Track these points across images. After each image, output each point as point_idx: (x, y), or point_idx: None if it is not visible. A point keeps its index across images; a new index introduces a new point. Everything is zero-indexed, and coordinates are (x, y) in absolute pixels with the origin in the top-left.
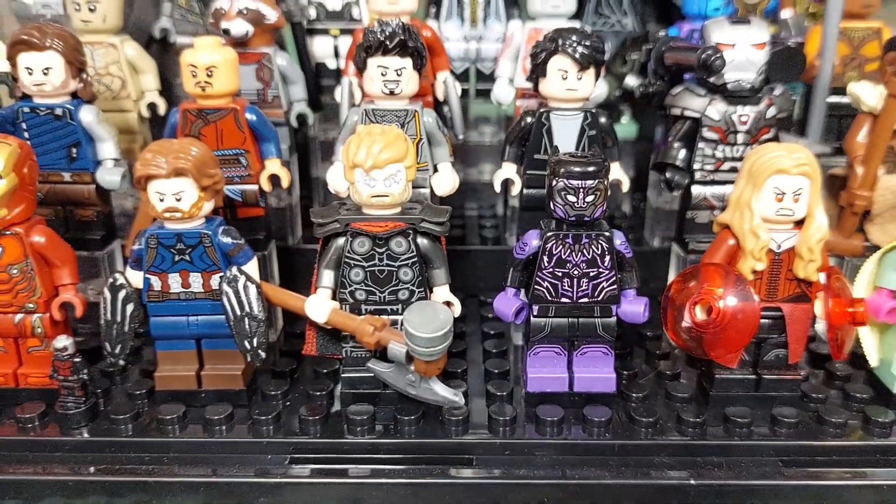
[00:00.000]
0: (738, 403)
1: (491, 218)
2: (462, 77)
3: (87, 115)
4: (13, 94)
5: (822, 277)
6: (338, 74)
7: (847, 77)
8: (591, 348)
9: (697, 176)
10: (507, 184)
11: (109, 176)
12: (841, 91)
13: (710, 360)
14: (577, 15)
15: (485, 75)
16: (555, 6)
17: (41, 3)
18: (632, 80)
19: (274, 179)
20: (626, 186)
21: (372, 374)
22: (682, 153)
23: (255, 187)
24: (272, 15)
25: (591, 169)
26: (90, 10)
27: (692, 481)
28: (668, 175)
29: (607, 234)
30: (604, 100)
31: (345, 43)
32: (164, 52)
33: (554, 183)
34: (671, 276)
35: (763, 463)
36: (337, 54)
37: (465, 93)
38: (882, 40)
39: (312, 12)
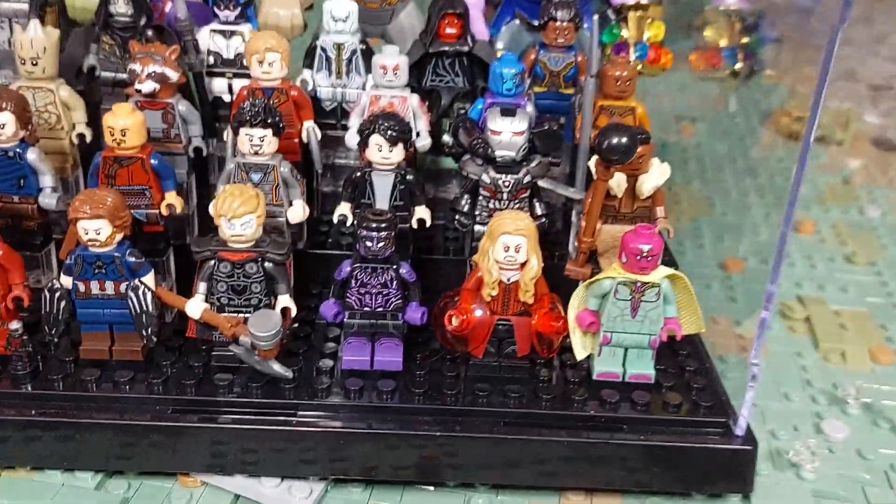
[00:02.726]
0: (483, 382)
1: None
2: (332, 114)
3: (31, 155)
4: None
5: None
6: (231, 107)
7: None
8: (387, 340)
9: (478, 219)
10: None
11: (47, 199)
12: None
13: (467, 352)
14: (421, 72)
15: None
16: (389, 80)
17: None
18: (447, 138)
19: (170, 207)
20: (428, 223)
21: (233, 353)
22: (467, 203)
23: (156, 212)
24: (174, 76)
25: (383, 224)
26: (33, 64)
27: (437, 432)
28: (458, 218)
29: (395, 266)
30: (429, 148)
31: (237, 83)
32: (91, 81)
33: (358, 232)
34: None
35: (492, 423)
36: (231, 91)
37: (334, 126)
38: (636, 116)
39: (211, 59)
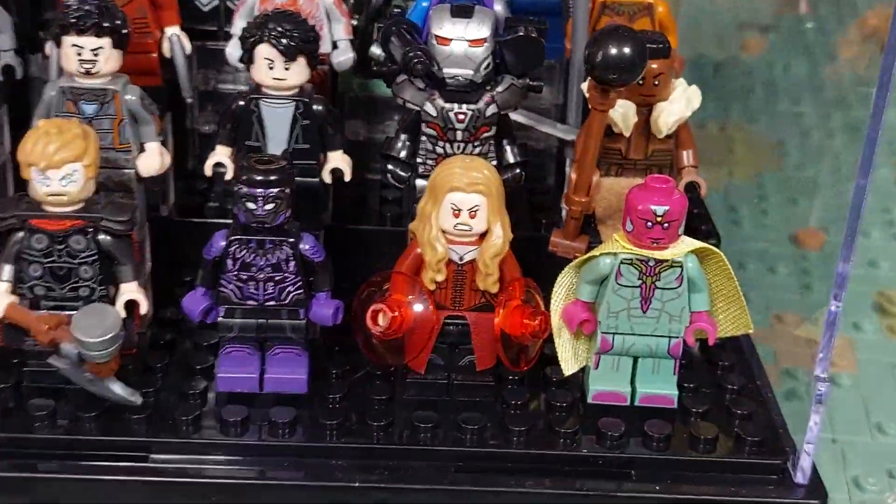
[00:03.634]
0: (427, 408)
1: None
2: (211, 16)
3: None
4: None
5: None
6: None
7: None
8: (284, 349)
9: (420, 170)
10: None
11: None
12: None
13: (403, 366)
14: None
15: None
16: None
17: None
18: (376, 50)
19: None
20: (347, 175)
21: (55, 369)
22: (405, 147)
23: None
24: None
25: (272, 177)
26: None
27: (356, 483)
28: (390, 167)
29: (292, 240)
30: (351, 65)
31: None
32: None
33: (236, 189)
34: None
35: (440, 469)
36: None
37: (214, 34)
38: (654, 18)
39: None
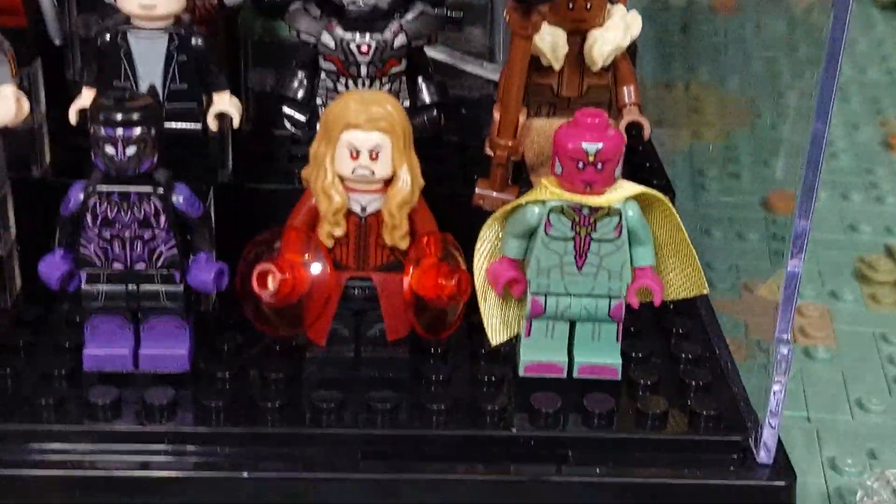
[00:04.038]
0: (330, 387)
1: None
2: None
3: None
4: None
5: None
6: None
7: None
8: (161, 321)
9: (321, 112)
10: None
11: None
12: None
13: (299, 336)
14: None
15: None
16: None
17: None
18: None
19: None
20: (236, 121)
21: None
22: (301, 87)
23: None
24: None
25: (134, 116)
26: None
27: (245, 474)
28: (286, 111)
29: (161, 190)
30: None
31: None
32: None
33: (92, 131)
34: None
35: (346, 455)
36: None
37: None
38: None
39: None
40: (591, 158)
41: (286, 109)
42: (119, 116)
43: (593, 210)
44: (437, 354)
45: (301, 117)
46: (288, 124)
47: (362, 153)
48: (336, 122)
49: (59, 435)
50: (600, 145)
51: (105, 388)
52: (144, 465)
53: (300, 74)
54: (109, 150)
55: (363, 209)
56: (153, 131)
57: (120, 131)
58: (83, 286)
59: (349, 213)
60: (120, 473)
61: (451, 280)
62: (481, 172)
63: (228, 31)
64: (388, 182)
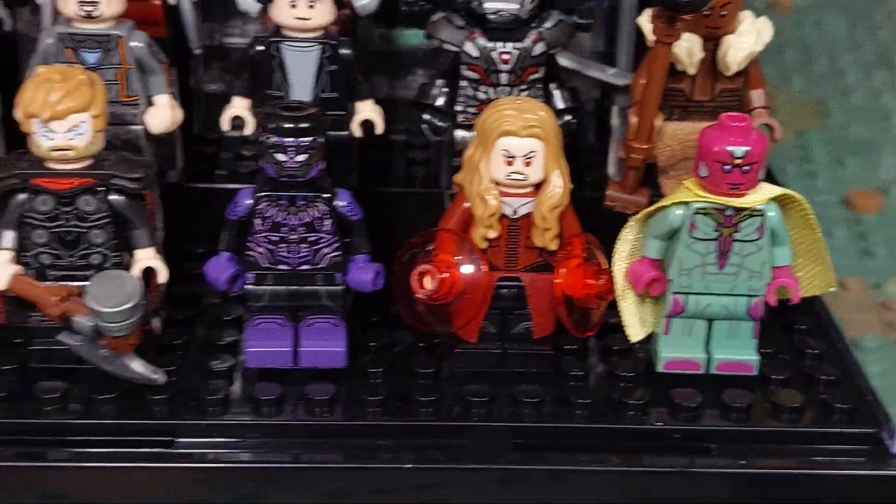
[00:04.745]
0: (479, 382)
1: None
2: None
3: None
4: None
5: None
6: None
7: None
8: (319, 319)
9: (460, 119)
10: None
11: None
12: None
13: (450, 335)
14: None
15: None
16: None
17: None
18: None
19: None
20: (379, 128)
21: (65, 347)
22: (442, 93)
23: None
24: None
25: (302, 125)
26: None
27: (409, 465)
28: (426, 118)
29: (327, 195)
30: (374, 8)
31: None
32: None
33: (263, 139)
34: None
35: (496, 447)
36: None
37: None
38: None
39: None
40: (737, 161)
41: (426, 116)
42: (291, 126)
43: (737, 211)
44: (573, 351)
45: (441, 124)
46: (427, 131)
47: (517, 159)
48: (492, 129)
49: (225, 428)
50: (747, 148)
51: (268, 384)
52: (305, 458)
53: (439, 83)
54: (280, 157)
55: (514, 212)
56: (321, 140)
57: (291, 140)
58: (248, 287)
59: (501, 217)
60: (284, 465)
61: (599, 280)
62: (590, 174)
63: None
64: (538, 186)
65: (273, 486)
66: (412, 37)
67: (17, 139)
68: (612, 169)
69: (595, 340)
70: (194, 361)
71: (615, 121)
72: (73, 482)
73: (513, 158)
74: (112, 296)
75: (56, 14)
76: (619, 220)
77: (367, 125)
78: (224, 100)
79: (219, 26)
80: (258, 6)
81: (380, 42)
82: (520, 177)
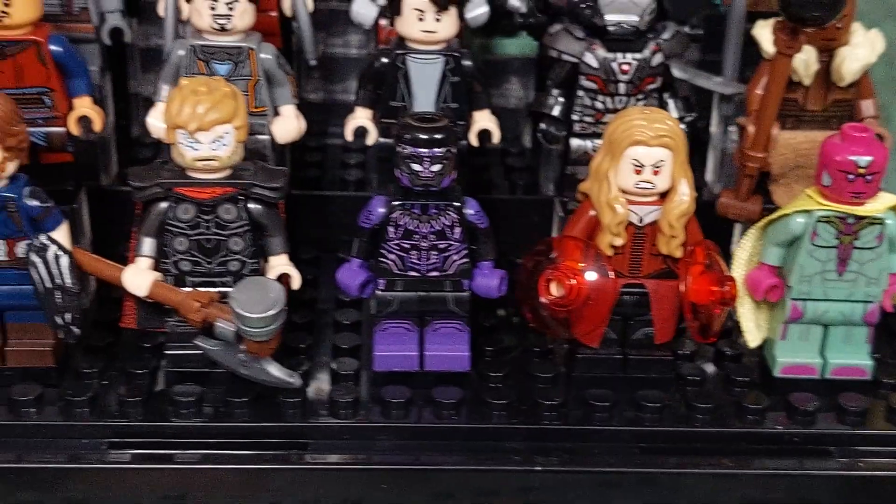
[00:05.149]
0: (602, 385)
1: (357, 153)
2: None
3: None
4: None
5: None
6: None
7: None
8: (444, 324)
9: (576, 128)
10: (362, 132)
11: None
12: (771, 15)
13: (572, 340)
14: None
15: None
16: None
17: None
18: (515, 1)
19: (84, 121)
20: (496, 137)
21: (200, 351)
22: (558, 103)
23: (62, 130)
24: None
25: (437, 136)
26: None
27: (538, 468)
28: (543, 126)
29: (457, 204)
30: (486, 20)
31: None
32: None
33: (399, 149)
34: (554, 235)
35: (619, 450)
36: None
37: None
38: None
39: None
40: (861, 171)
41: (543, 125)
42: (426, 137)
43: (858, 219)
44: (686, 356)
45: (558, 133)
46: (542, 139)
47: (646, 167)
48: (623, 139)
49: (356, 431)
50: (871, 158)
51: (397, 388)
52: (427, 462)
53: (556, 93)
54: (416, 166)
55: (640, 220)
56: (454, 151)
57: (426, 151)
58: (378, 292)
59: (628, 224)
60: (412, 467)
61: (724, 287)
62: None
63: None
64: (664, 194)
65: (400, 489)
66: (508, 46)
67: (128, 146)
68: (710, 176)
69: (707, 346)
70: (321, 365)
71: (715, 128)
72: (204, 486)
73: (642, 167)
74: (257, 302)
75: (178, 24)
76: (724, 228)
77: (484, 134)
78: (325, 109)
79: (322, 36)
80: (373, 18)
81: (476, 51)
82: (648, 185)
